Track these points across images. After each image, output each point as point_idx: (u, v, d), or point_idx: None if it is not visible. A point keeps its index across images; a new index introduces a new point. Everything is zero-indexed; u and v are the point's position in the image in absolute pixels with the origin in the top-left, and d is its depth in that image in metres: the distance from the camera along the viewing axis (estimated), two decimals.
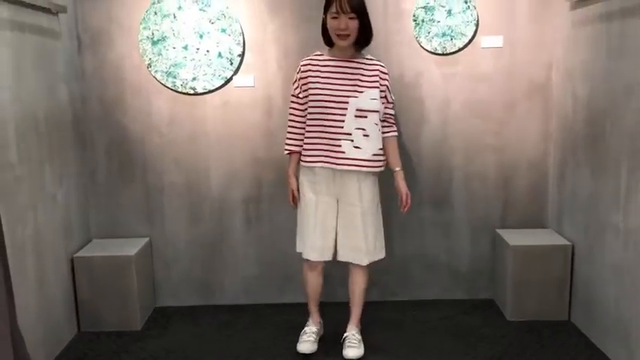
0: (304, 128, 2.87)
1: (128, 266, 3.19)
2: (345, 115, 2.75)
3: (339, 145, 2.77)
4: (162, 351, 3.02)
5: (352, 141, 2.77)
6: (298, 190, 2.91)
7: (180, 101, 3.37)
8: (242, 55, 3.32)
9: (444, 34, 3.31)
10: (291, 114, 2.91)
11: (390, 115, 2.93)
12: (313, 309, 3.06)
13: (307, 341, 2.94)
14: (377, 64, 2.84)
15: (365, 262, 2.87)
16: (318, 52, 2.87)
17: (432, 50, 3.34)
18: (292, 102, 2.91)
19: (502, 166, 3.46)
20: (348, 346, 2.91)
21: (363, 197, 2.83)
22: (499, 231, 3.46)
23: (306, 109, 2.85)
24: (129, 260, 3.19)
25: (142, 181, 3.44)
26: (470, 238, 3.54)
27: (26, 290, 2.67)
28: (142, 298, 3.32)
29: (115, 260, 3.20)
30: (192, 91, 3.33)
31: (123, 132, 3.39)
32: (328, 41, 2.82)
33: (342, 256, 2.89)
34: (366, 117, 2.78)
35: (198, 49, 3.28)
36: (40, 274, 2.81)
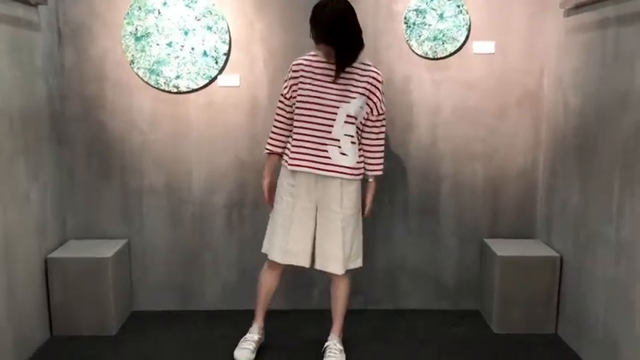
0: (289, 131, 2.80)
1: (104, 269, 3.08)
2: (334, 120, 2.68)
3: (326, 151, 2.69)
4: (137, 358, 2.91)
5: (339, 147, 2.70)
6: (274, 189, 2.85)
7: (162, 100, 3.27)
8: (228, 54, 3.23)
9: (435, 38, 3.24)
10: (277, 114, 2.83)
11: (378, 125, 2.80)
12: (259, 312, 2.97)
13: (245, 349, 2.86)
14: (371, 71, 2.73)
15: (341, 271, 2.78)
16: (312, 53, 2.78)
17: (423, 54, 3.27)
18: (280, 102, 2.82)
19: (491, 174, 3.40)
20: (329, 356, 2.81)
21: (344, 204, 2.75)
22: (487, 241, 3.38)
23: (292, 111, 2.77)
24: (105, 263, 3.08)
25: (120, 180, 3.33)
26: (457, 248, 3.46)
27: None
28: (118, 301, 3.21)
29: (91, 262, 3.08)
30: (175, 90, 3.23)
31: (102, 130, 3.28)
32: None
33: (318, 264, 2.80)
34: (353, 123, 2.71)
35: (182, 46, 3.19)
36: (10, 274, 2.69)
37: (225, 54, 3.21)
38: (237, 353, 2.84)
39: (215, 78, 3.24)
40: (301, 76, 2.72)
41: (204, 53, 3.20)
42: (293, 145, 2.74)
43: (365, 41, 2.76)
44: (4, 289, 2.64)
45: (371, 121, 2.77)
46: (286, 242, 2.77)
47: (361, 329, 3.20)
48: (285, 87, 2.79)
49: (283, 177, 2.81)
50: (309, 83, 2.70)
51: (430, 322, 3.33)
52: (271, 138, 2.84)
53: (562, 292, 3.14)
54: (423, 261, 3.47)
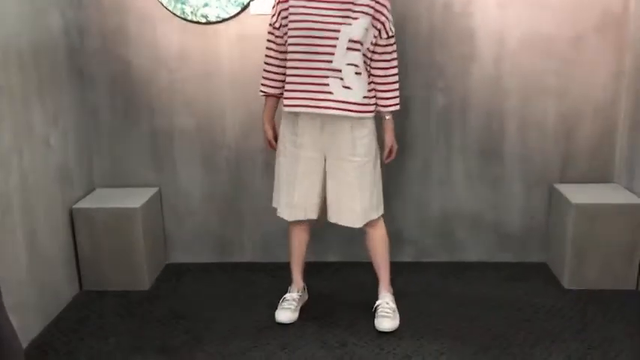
0: (284, 67, 2.44)
1: (133, 220, 2.84)
2: (335, 46, 2.30)
3: (327, 84, 2.33)
4: (170, 314, 2.69)
5: (342, 79, 2.33)
6: (276, 140, 2.55)
7: (190, 32, 2.93)
8: None
9: None
10: (268, 48, 2.47)
11: (389, 51, 2.42)
12: (296, 271, 2.70)
13: (287, 309, 2.60)
14: None
15: (359, 224, 2.48)
16: None
17: None
18: (269, 33, 2.45)
19: (563, 110, 2.97)
20: (381, 316, 2.53)
21: (357, 150, 2.41)
22: (557, 186, 2.99)
23: (285, 42, 2.40)
24: (133, 213, 2.84)
25: (149, 123, 3.05)
26: (522, 193, 3.08)
27: (12, 247, 2.33)
28: (151, 254, 2.98)
29: (118, 212, 2.84)
30: (203, 20, 2.88)
31: (126, 67, 2.98)
32: None
33: (331, 218, 2.50)
34: (358, 50, 2.32)
35: None
36: (31, 226, 2.47)
37: None
38: (278, 315, 2.59)
39: (247, 5, 2.86)
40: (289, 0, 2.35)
41: None
42: (288, 83, 2.40)
43: None
44: (25, 242, 2.42)
45: (380, 46, 2.39)
46: (292, 197, 2.48)
47: (412, 284, 2.91)
48: (274, 15, 2.42)
49: (285, 125, 2.48)
50: (303, 5, 2.32)
51: (490, 276, 3.01)
52: (265, 78, 2.50)
53: None
54: (483, 208, 3.11)
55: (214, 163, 3.10)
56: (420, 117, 2.99)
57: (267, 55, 2.48)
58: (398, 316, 2.55)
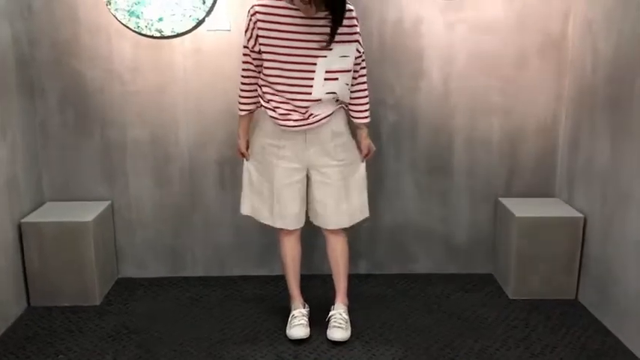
0: (259, 85, 2.44)
1: (84, 234, 2.80)
2: (312, 79, 2.30)
3: (309, 114, 2.36)
4: (123, 329, 2.66)
5: (322, 104, 2.37)
6: (247, 148, 2.55)
7: (144, 45, 2.92)
8: None
9: None
10: (245, 69, 2.40)
11: (358, 69, 2.44)
12: (293, 285, 2.70)
13: (299, 325, 2.57)
14: (349, 9, 2.30)
15: (345, 223, 2.54)
16: None
17: None
18: (245, 55, 2.37)
19: (507, 128, 3.10)
20: (334, 327, 2.57)
21: (338, 155, 2.45)
22: (502, 200, 3.12)
23: (262, 64, 2.35)
24: (85, 227, 2.80)
25: (101, 136, 3.02)
26: (469, 207, 3.19)
27: None
28: (102, 268, 2.94)
29: (69, 227, 2.80)
30: (158, 34, 2.88)
31: (78, 80, 2.94)
32: None
33: (319, 222, 2.56)
34: (337, 79, 2.34)
35: None
36: None
37: None
38: (294, 332, 2.55)
39: (202, 21, 2.88)
40: (264, 28, 2.27)
41: None
42: (270, 100, 2.37)
43: None
44: None
45: (355, 64, 2.42)
46: (273, 207, 2.50)
47: (364, 296, 2.98)
48: (249, 38, 2.31)
49: (262, 137, 2.46)
50: (276, 37, 2.27)
51: (440, 287, 3.10)
52: (243, 97, 2.45)
53: (585, 256, 2.90)
54: (432, 221, 3.21)
55: (167, 175, 3.09)
56: (372, 132, 3.05)
57: (244, 77, 2.41)
58: (350, 327, 2.61)
